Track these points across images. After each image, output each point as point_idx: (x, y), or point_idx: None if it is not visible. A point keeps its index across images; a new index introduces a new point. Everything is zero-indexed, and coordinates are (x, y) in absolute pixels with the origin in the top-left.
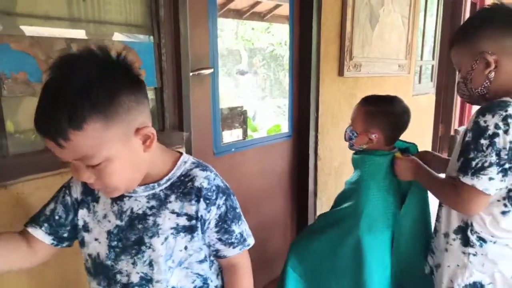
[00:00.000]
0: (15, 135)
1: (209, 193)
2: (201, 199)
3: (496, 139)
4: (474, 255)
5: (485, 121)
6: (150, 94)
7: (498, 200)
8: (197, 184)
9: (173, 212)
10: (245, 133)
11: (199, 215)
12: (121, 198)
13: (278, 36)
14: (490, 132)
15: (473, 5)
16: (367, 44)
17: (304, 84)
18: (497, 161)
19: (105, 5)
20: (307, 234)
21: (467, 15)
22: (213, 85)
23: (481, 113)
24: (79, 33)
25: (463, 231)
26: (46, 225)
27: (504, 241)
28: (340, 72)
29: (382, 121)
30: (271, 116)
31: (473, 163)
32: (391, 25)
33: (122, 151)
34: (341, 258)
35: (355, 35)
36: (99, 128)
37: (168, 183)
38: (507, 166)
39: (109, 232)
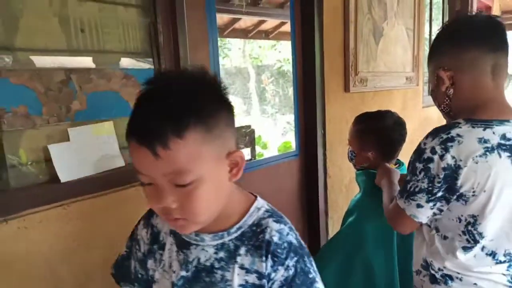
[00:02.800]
0: (15, 168)
1: (278, 250)
2: (269, 255)
3: (430, 165)
4: None
5: (424, 144)
6: None
7: (459, 235)
8: (267, 237)
9: (242, 267)
10: (253, 152)
11: (267, 273)
12: (187, 246)
13: (285, 53)
14: (426, 156)
15: None
16: (372, 59)
17: (309, 102)
18: (429, 187)
19: (104, 35)
20: (317, 260)
21: None
22: None
23: (427, 135)
24: (79, 64)
25: (427, 268)
26: (136, 283)
27: (471, 280)
28: (346, 88)
29: (373, 138)
30: (281, 132)
31: (408, 186)
32: (396, 38)
33: (213, 172)
34: (353, 283)
35: (359, 50)
36: (199, 139)
37: (239, 232)
38: (439, 194)
39: (173, 284)
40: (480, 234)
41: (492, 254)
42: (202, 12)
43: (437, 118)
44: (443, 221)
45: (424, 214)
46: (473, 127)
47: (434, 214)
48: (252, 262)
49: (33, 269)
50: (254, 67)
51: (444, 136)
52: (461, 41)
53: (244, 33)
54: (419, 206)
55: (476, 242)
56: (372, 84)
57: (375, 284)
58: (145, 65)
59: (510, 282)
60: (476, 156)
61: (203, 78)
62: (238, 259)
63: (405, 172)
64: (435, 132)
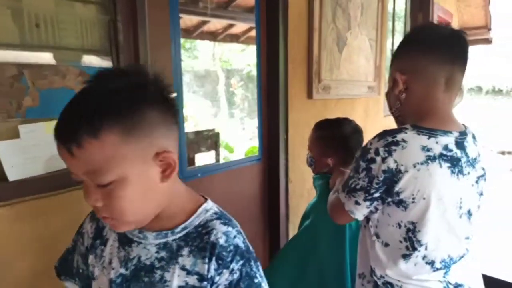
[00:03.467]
0: None
1: (224, 252)
2: (213, 258)
3: (372, 165)
4: None
5: (370, 144)
6: None
7: (400, 241)
8: (212, 238)
9: (183, 268)
10: (218, 156)
11: (209, 276)
12: (129, 243)
13: (254, 57)
14: (369, 156)
15: None
16: (335, 67)
17: (273, 107)
18: (367, 187)
19: (60, 31)
20: (272, 264)
21: None
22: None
23: (375, 136)
24: (32, 59)
25: (370, 275)
26: (77, 278)
27: (408, 287)
28: (309, 95)
29: (333, 144)
30: (249, 137)
31: (350, 182)
32: (359, 48)
33: (136, 173)
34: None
35: (323, 58)
36: (115, 140)
37: (183, 232)
38: (376, 195)
39: (111, 281)
40: (419, 241)
41: (431, 263)
42: (165, 11)
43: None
44: (383, 227)
45: (361, 211)
46: (418, 134)
47: (371, 212)
48: (193, 264)
49: None
50: (223, 71)
51: (390, 139)
52: (421, 46)
53: (214, 36)
54: (356, 203)
55: (414, 249)
56: (335, 92)
57: (327, 286)
58: (104, 63)
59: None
60: (418, 163)
61: (138, 76)
62: (180, 259)
63: None
64: (382, 134)
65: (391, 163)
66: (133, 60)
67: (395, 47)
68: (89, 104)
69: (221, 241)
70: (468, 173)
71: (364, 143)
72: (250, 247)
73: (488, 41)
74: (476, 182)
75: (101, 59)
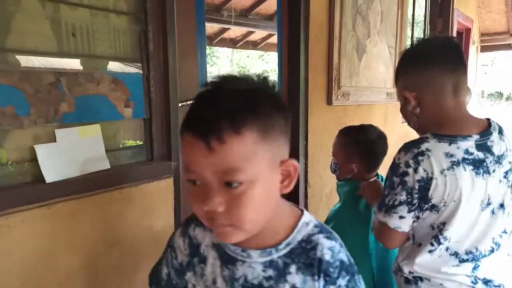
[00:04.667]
0: (1, 167)
1: (330, 269)
2: (321, 274)
3: (406, 178)
4: None
5: (398, 158)
6: (139, 125)
7: (429, 239)
8: (319, 254)
9: (294, 287)
10: None
11: None
12: (233, 262)
13: (272, 63)
14: (401, 170)
15: (458, 34)
16: (355, 74)
17: (293, 113)
18: (408, 199)
19: (95, 40)
20: None
21: None
22: None
23: (400, 150)
24: (68, 67)
25: (401, 270)
26: None
27: (437, 281)
28: (329, 101)
29: (358, 150)
30: None
31: (386, 200)
32: (378, 55)
33: (265, 177)
34: None
35: (343, 65)
36: (255, 138)
37: (288, 248)
38: (416, 205)
39: None
40: (445, 237)
41: (455, 254)
42: (192, 21)
43: (415, 133)
44: (418, 229)
45: (407, 223)
46: (439, 141)
47: (413, 221)
48: (303, 281)
49: (14, 268)
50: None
51: (416, 151)
52: (421, 62)
53: (233, 43)
54: (401, 217)
55: (439, 243)
56: (354, 98)
57: None
58: (134, 70)
59: (473, 283)
60: (445, 170)
61: (263, 83)
62: (289, 278)
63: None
64: (408, 147)
65: (422, 172)
66: (162, 67)
67: None
68: (233, 100)
69: (327, 257)
70: (494, 170)
71: (388, 153)
72: (352, 260)
73: (510, 46)
74: (505, 177)
75: (132, 67)
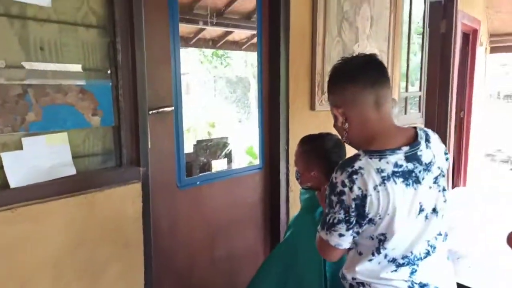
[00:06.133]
0: None
1: None
2: None
3: (343, 197)
4: None
5: (335, 178)
6: (108, 133)
7: (371, 249)
8: None
9: None
10: (230, 162)
11: None
12: None
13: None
14: (338, 189)
15: (465, 36)
16: None
17: (274, 118)
18: (346, 217)
19: (63, 53)
20: (258, 273)
21: (458, 47)
22: (176, 121)
23: (336, 169)
24: (36, 79)
25: (344, 277)
26: None
27: (378, 286)
28: (312, 107)
29: (316, 159)
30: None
31: (327, 219)
32: None
33: None
34: None
35: (326, 71)
36: None
37: None
38: (354, 221)
39: None
40: (384, 247)
41: (393, 260)
42: (164, 27)
43: None
44: (360, 240)
45: (346, 241)
46: (370, 158)
47: (353, 238)
48: None
49: None
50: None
51: (350, 170)
52: (343, 81)
53: (213, 43)
54: (341, 235)
55: (379, 253)
56: None
57: None
58: (103, 80)
59: (410, 287)
60: (377, 186)
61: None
62: None
63: None
64: (342, 167)
65: (356, 191)
66: (131, 77)
67: (412, 58)
68: None
69: None
70: (423, 178)
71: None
72: None
73: None
74: (435, 182)
75: (101, 78)
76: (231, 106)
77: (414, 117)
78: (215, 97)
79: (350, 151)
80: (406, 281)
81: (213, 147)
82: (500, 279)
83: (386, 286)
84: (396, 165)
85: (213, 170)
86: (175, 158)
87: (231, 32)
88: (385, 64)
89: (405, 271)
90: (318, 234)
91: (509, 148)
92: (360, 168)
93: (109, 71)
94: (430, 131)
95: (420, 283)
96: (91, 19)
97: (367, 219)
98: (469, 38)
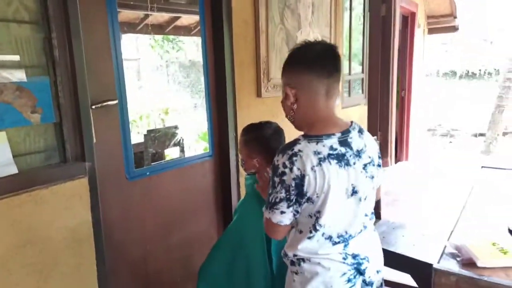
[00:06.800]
0: None
1: None
2: None
3: (284, 177)
4: (296, 273)
5: (277, 161)
6: (50, 129)
7: (309, 228)
8: None
9: None
10: (182, 150)
11: None
12: None
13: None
14: (280, 171)
15: (404, 18)
16: None
17: (221, 106)
18: (287, 196)
19: None
20: (208, 256)
21: (397, 29)
22: (122, 114)
23: (277, 152)
24: None
25: (286, 254)
26: None
27: (316, 260)
28: (258, 94)
29: (256, 146)
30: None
31: (270, 198)
32: None
33: None
34: (236, 276)
35: (272, 58)
36: None
37: None
38: (294, 200)
39: None
40: (320, 224)
41: (329, 238)
42: (102, 17)
43: (357, 118)
44: (300, 219)
45: (287, 217)
46: (308, 142)
47: (294, 215)
48: None
49: None
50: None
51: (290, 152)
52: (302, 65)
53: (160, 29)
54: (282, 212)
55: (316, 230)
56: None
57: (254, 274)
58: (40, 77)
59: (344, 258)
60: (314, 166)
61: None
62: None
63: None
64: (283, 150)
65: (296, 171)
66: (70, 72)
67: (354, 43)
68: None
69: None
70: (354, 163)
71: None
72: None
73: (454, 28)
74: (364, 168)
75: (38, 75)
76: (185, 91)
77: (358, 99)
78: (168, 83)
79: (288, 137)
80: (340, 253)
81: (164, 136)
82: (427, 244)
83: (323, 259)
84: (331, 148)
85: (166, 159)
86: (122, 150)
87: (179, 17)
88: None
89: (339, 246)
90: (263, 215)
91: (449, 123)
92: (300, 151)
93: (46, 68)
94: (365, 131)
95: (352, 253)
96: (23, 15)
97: (306, 197)
98: (408, 20)
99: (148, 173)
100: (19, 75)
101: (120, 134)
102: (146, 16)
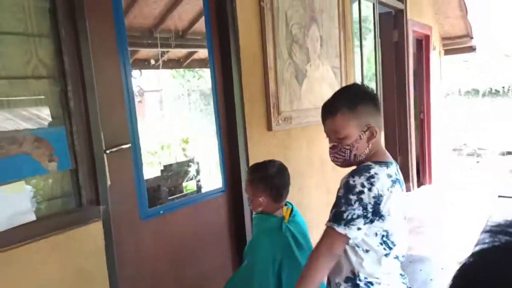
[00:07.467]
0: None
1: None
2: None
3: (362, 196)
4: None
5: (353, 181)
6: (66, 176)
7: (377, 246)
8: None
9: None
10: (198, 184)
11: None
12: None
13: None
14: (357, 189)
15: (418, 42)
16: (296, 99)
17: (232, 141)
18: (364, 213)
19: (16, 104)
20: None
21: (411, 54)
22: (135, 157)
23: (351, 175)
24: None
25: (352, 280)
26: None
27: (386, 281)
28: (269, 127)
29: (262, 185)
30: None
31: (345, 215)
32: (321, 77)
33: None
34: None
35: (281, 93)
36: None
37: None
38: (370, 216)
39: None
40: (392, 242)
41: (397, 257)
42: (115, 67)
43: None
44: (366, 238)
45: (361, 234)
46: (381, 166)
47: (364, 233)
48: None
49: None
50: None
51: (367, 174)
52: (370, 103)
53: (178, 64)
54: (359, 229)
55: (390, 248)
56: (298, 121)
57: None
58: (57, 128)
59: (401, 276)
60: (389, 187)
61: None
62: None
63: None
64: (359, 172)
65: (375, 191)
66: (85, 121)
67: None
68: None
69: None
70: (403, 190)
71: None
72: None
73: (471, 48)
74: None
75: (55, 125)
76: (206, 118)
77: None
78: (190, 111)
79: (296, 172)
80: (401, 274)
81: (181, 169)
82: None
83: (392, 279)
84: (395, 173)
85: (180, 194)
86: (136, 191)
87: (196, 52)
88: (340, 79)
89: (400, 266)
90: (329, 230)
91: (474, 142)
92: (376, 173)
93: (63, 118)
94: None
95: (401, 274)
96: (41, 71)
97: (379, 215)
98: (422, 43)
99: (161, 212)
100: (37, 127)
101: (133, 176)
102: (164, 52)
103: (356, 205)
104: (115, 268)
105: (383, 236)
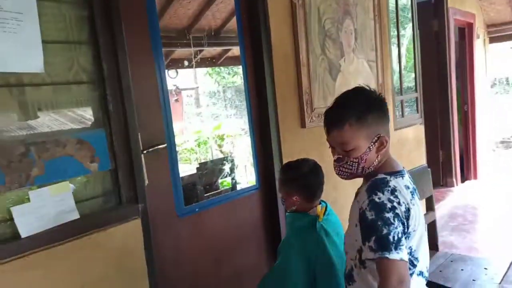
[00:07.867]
0: None
1: None
2: None
3: (397, 211)
4: None
5: (379, 198)
6: (106, 176)
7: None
8: None
9: None
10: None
11: None
12: None
13: None
14: (389, 206)
15: (460, 30)
16: (330, 95)
17: (265, 138)
18: (404, 229)
19: (59, 110)
20: None
21: (453, 43)
22: (171, 156)
23: (372, 193)
24: (37, 137)
25: None
26: None
27: None
28: (302, 124)
29: (294, 185)
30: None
31: (390, 238)
32: (356, 71)
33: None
34: None
35: (314, 89)
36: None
37: None
38: (407, 232)
39: None
40: (416, 258)
41: (421, 273)
42: (151, 73)
43: (412, 138)
44: None
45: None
46: (396, 177)
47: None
48: None
49: None
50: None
51: (389, 189)
52: (379, 110)
53: (212, 62)
54: (405, 247)
55: (414, 266)
56: None
57: None
58: (98, 130)
59: None
60: (411, 199)
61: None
62: None
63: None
64: (379, 188)
65: (403, 205)
66: (123, 124)
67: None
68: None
69: None
70: (419, 197)
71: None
72: None
73: None
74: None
75: (96, 128)
76: (241, 114)
77: (413, 119)
78: (225, 108)
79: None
80: None
81: (216, 166)
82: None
83: None
84: (410, 182)
85: (216, 191)
86: (172, 189)
87: (230, 49)
88: (376, 72)
89: (424, 282)
90: (382, 264)
91: None
92: (395, 186)
93: (102, 121)
94: None
95: None
96: (82, 77)
97: (407, 231)
98: (465, 32)
99: (197, 209)
100: (80, 129)
101: (169, 175)
102: (198, 51)
103: (396, 221)
104: (154, 264)
105: (409, 253)
